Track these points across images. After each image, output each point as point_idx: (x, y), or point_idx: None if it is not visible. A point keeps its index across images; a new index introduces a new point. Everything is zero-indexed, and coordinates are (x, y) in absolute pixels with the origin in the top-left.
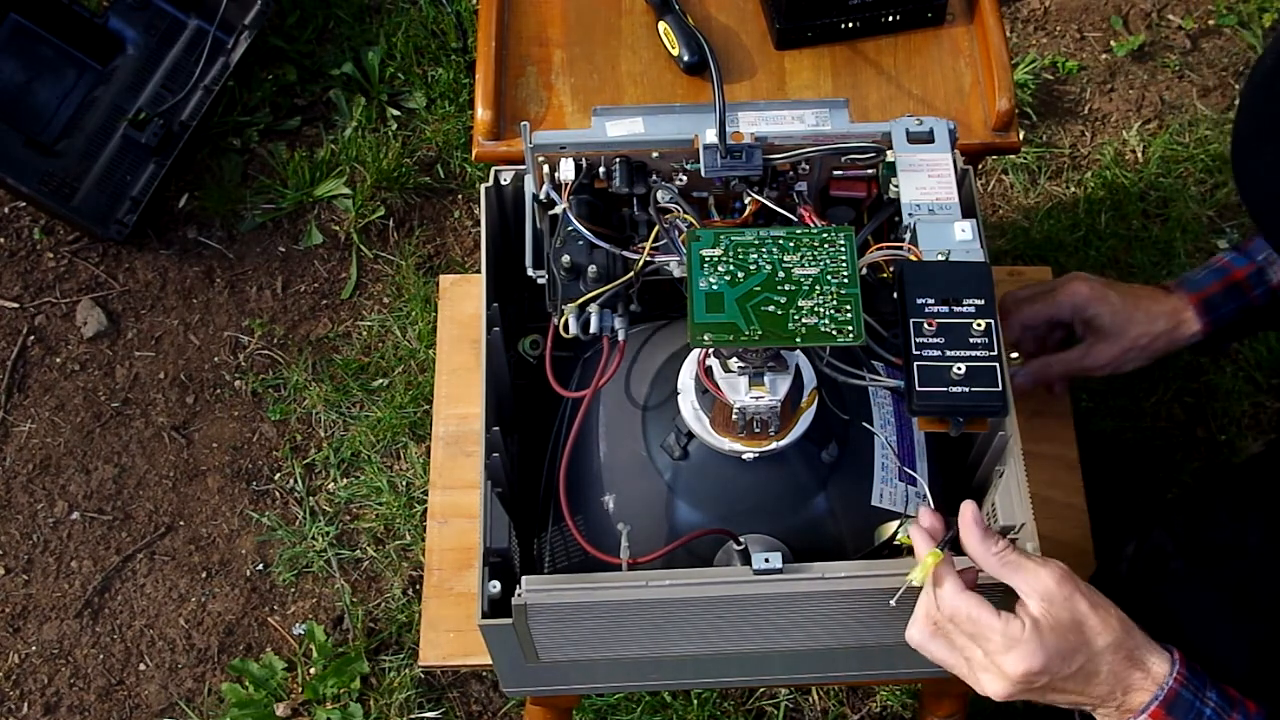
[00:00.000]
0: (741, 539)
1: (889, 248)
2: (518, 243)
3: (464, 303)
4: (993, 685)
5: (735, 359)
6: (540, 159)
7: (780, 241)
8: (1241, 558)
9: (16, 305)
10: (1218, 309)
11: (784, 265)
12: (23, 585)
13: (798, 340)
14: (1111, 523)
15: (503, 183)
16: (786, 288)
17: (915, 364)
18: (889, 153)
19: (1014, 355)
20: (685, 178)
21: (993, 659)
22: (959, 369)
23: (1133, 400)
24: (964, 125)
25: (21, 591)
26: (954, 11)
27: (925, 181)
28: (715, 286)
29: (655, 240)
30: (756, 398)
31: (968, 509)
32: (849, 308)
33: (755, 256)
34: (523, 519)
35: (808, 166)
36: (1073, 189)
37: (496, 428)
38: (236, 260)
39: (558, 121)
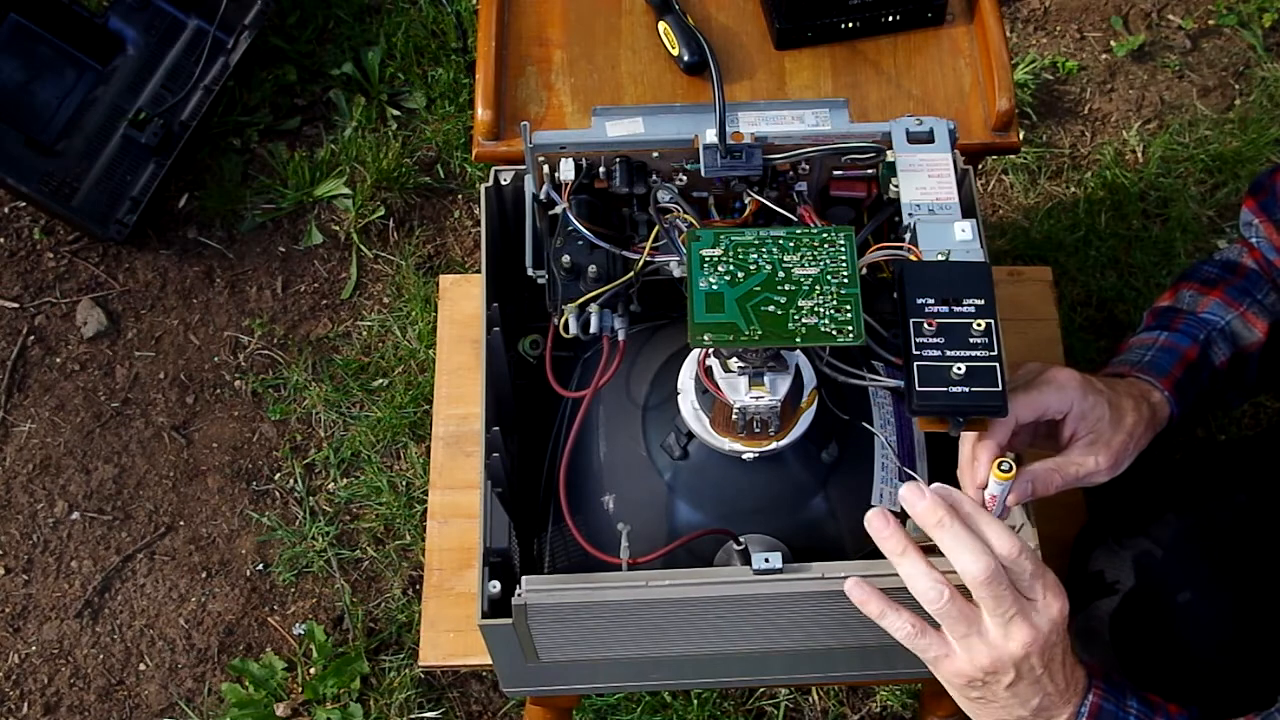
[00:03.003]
0: (741, 539)
1: (889, 248)
2: (518, 243)
3: (464, 303)
4: (978, 657)
5: (735, 359)
6: (540, 159)
7: (780, 241)
8: (1227, 532)
9: (16, 305)
10: (1186, 394)
11: (784, 265)
12: (23, 585)
13: (798, 340)
14: (1111, 522)
15: (503, 183)
16: (786, 288)
17: (915, 364)
18: (889, 153)
19: (1005, 465)
20: (685, 178)
21: (1016, 619)
22: (959, 369)
23: None
24: (964, 125)
25: (21, 591)
26: (954, 11)
27: (925, 181)
28: (715, 286)
29: (655, 240)
30: (756, 398)
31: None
32: (849, 308)
33: (755, 256)
34: (523, 519)
35: (808, 166)
36: (1073, 189)
37: (496, 428)
38: (236, 260)
39: (558, 121)
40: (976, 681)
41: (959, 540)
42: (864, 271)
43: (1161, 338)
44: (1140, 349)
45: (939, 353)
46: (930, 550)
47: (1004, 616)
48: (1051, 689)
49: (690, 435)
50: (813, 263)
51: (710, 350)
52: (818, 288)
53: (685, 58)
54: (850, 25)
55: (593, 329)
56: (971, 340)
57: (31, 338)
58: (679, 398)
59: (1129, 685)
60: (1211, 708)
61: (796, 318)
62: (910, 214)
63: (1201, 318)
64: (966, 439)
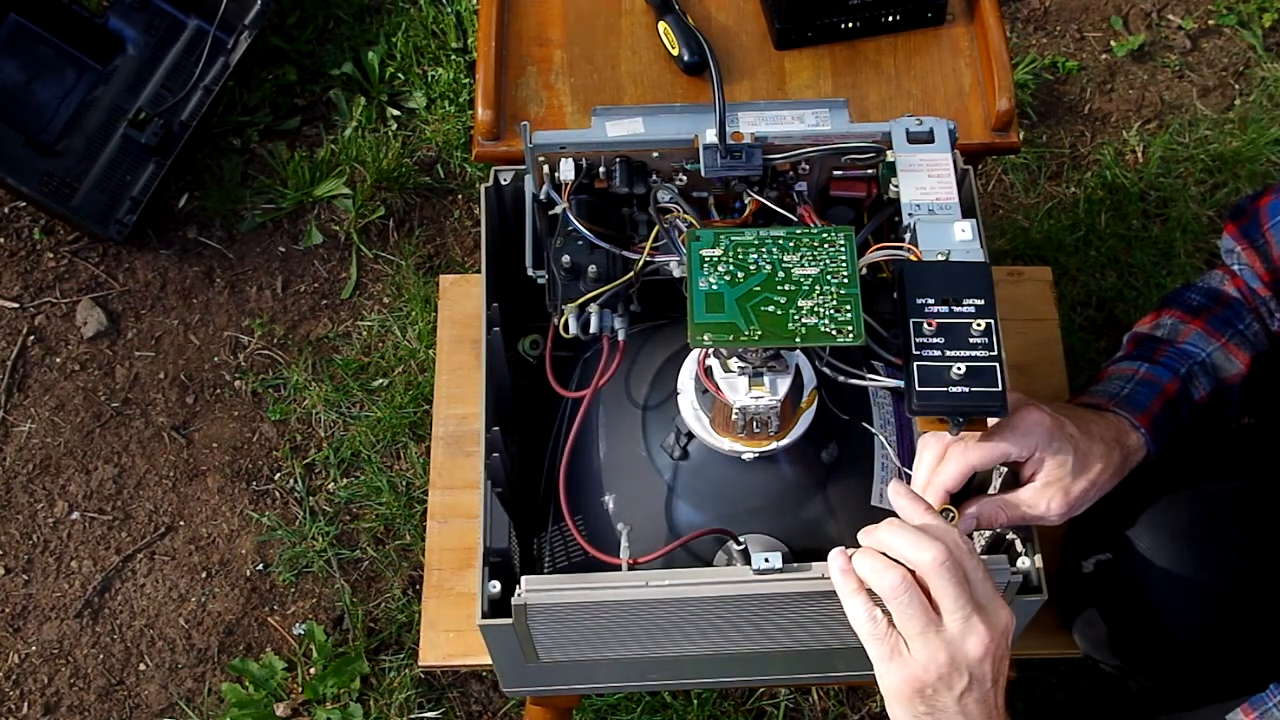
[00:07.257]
0: (741, 539)
1: (889, 248)
2: (518, 243)
3: (464, 303)
4: (937, 653)
5: (735, 359)
6: (540, 159)
7: (780, 241)
8: (1219, 518)
9: (16, 305)
10: (1164, 431)
11: (784, 265)
12: (23, 585)
13: (798, 340)
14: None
15: (503, 183)
16: (786, 288)
17: (915, 364)
18: (889, 153)
19: (949, 514)
20: (685, 178)
21: (974, 616)
22: (959, 369)
23: None
24: (964, 125)
25: (21, 591)
26: (954, 11)
27: (925, 181)
28: (715, 286)
29: (655, 240)
30: (756, 398)
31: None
32: (849, 308)
33: (755, 256)
34: (523, 519)
35: (808, 166)
36: (1073, 189)
37: (496, 428)
38: (236, 260)
39: (558, 121)
40: (927, 689)
41: (907, 533)
42: (864, 271)
43: (1142, 370)
44: (1120, 379)
45: (939, 353)
46: None
47: (963, 611)
48: (996, 715)
49: (690, 435)
50: (813, 263)
51: (710, 350)
52: (818, 288)
53: (685, 58)
54: (850, 25)
55: (593, 329)
56: (971, 340)
57: (31, 338)
58: (679, 398)
59: None
60: (1198, 693)
61: (796, 318)
62: (910, 214)
63: (1182, 349)
64: (922, 460)
